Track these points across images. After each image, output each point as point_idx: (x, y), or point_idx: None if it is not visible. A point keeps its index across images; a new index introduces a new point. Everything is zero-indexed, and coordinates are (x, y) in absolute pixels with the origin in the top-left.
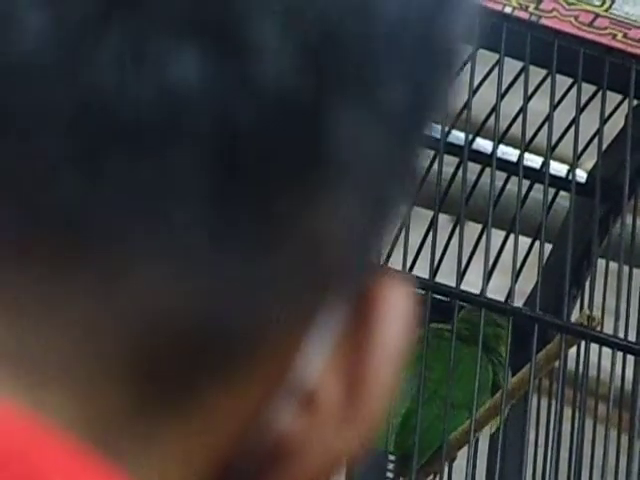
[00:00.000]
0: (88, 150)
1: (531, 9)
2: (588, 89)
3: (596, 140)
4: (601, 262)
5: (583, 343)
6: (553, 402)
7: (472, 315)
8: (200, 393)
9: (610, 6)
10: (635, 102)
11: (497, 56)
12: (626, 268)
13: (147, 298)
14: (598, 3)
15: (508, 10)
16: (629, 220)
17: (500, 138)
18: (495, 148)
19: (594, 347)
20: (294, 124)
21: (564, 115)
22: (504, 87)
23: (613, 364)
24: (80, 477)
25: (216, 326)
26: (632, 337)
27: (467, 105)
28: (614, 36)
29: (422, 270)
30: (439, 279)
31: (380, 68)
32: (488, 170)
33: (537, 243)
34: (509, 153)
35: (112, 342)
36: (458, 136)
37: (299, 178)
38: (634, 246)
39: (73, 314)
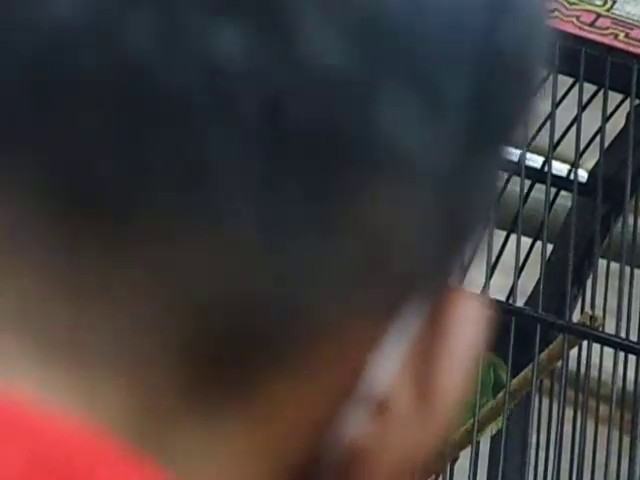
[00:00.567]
0: (134, 124)
1: None
2: (589, 89)
3: (597, 139)
4: (602, 262)
5: (585, 343)
6: (555, 402)
7: None
8: (262, 379)
9: (612, 6)
10: (637, 101)
11: None
12: (627, 268)
13: (200, 277)
14: (600, 3)
15: None
16: (631, 220)
17: None
18: None
19: (596, 348)
20: (342, 103)
21: (565, 115)
22: None
23: (615, 364)
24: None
25: (273, 306)
26: (634, 337)
27: None
28: (616, 36)
29: None
30: None
31: (433, 55)
32: None
33: (538, 243)
34: (510, 153)
35: (167, 325)
36: None
37: (349, 160)
38: (635, 246)
39: (124, 296)
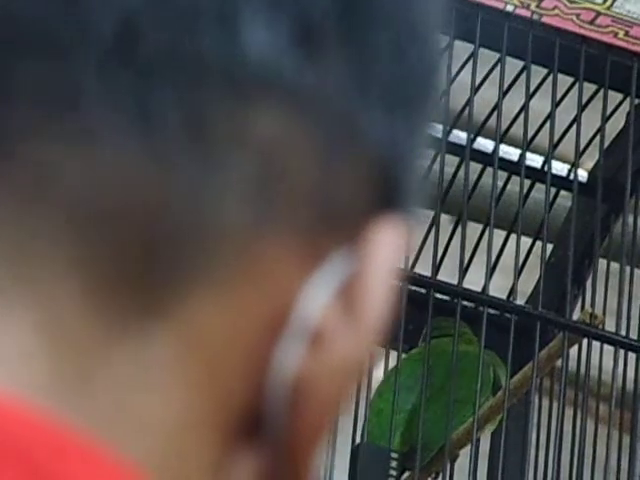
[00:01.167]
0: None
1: (532, 7)
2: (589, 88)
3: (597, 139)
4: (602, 261)
5: (585, 342)
6: (555, 401)
7: (442, 322)
8: (178, 299)
9: (612, 4)
10: (637, 101)
11: (498, 55)
12: (627, 267)
13: (90, 192)
14: (600, 1)
15: (509, 8)
16: (630, 219)
17: (501, 137)
18: (496, 147)
19: (596, 346)
20: (204, 27)
21: (565, 114)
22: (505, 86)
23: (615, 362)
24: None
25: (171, 222)
26: (634, 335)
27: (468, 104)
28: (616, 34)
29: (424, 269)
30: (441, 278)
31: None
32: (489, 169)
33: (538, 243)
34: (510, 152)
35: (66, 245)
36: (459, 135)
37: (217, 81)
38: (635, 245)
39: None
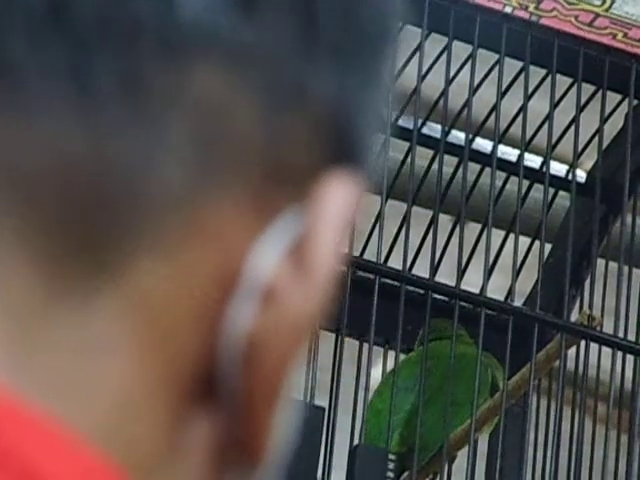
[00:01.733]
0: None
1: (531, 9)
2: (588, 89)
3: (596, 140)
4: (601, 262)
5: (583, 343)
6: (553, 402)
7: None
8: (122, 258)
9: (610, 6)
10: (635, 102)
11: (497, 56)
12: (626, 268)
13: (29, 156)
14: (598, 3)
15: (508, 10)
16: (629, 220)
17: (500, 138)
18: (495, 148)
19: (594, 347)
20: None
21: (564, 115)
22: (504, 87)
23: (613, 364)
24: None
25: (111, 179)
26: (632, 337)
27: (467, 105)
28: (614, 36)
29: (422, 270)
30: (439, 279)
31: None
32: (488, 170)
33: (537, 243)
34: (509, 153)
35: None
36: (458, 136)
37: (151, 43)
38: (634, 246)
39: None
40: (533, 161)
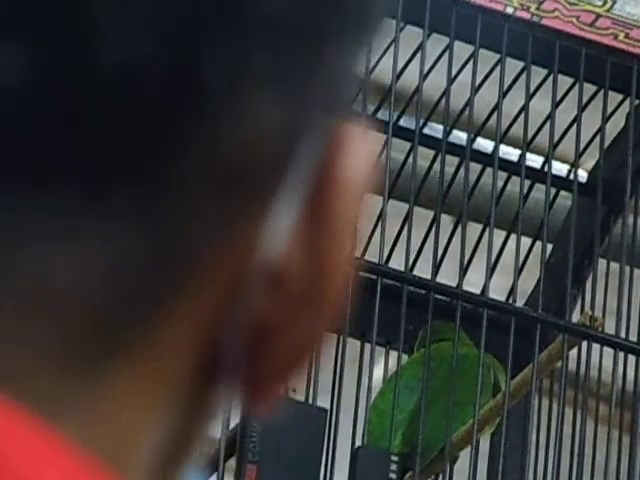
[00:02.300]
0: None
1: (532, 9)
2: (589, 89)
3: (597, 140)
4: (602, 262)
5: (584, 344)
6: (554, 403)
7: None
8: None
9: (612, 6)
10: (636, 102)
11: (498, 56)
12: (627, 268)
13: None
14: (600, 3)
15: (509, 10)
16: (630, 220)
17: (501, 138)
18: (496, 148)
19: (596, 348)
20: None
21: (565, 115)
22: (505, 87)
23: (615, 364)
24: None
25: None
26: (634, 337)
27: (468, 105)
28: (616, 36)
29: (424, 270)
30: (440, 279)
31: None
32: (489, 170)
33: (538, 243)
34: (510, 153)
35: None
36: (459, 136)
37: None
38: (635, 246)
39: None
40: (534, 161)
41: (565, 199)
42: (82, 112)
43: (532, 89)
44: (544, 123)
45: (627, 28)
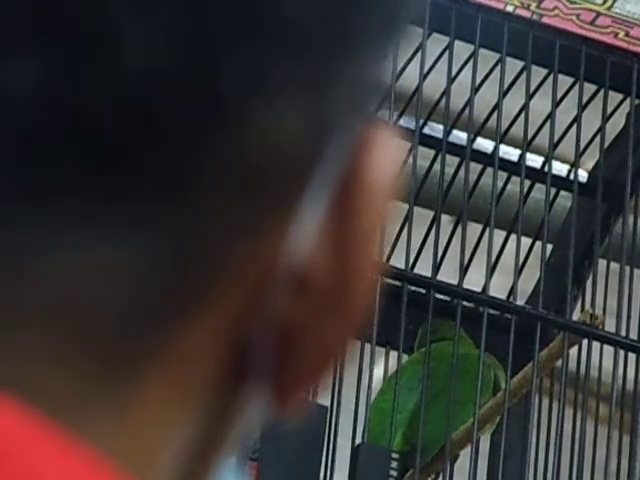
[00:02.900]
0: None
1: (533, 8)
2: (590, 88)
3: (597, 139)
4: (602, 262)
5: (585, 342)
6: (555, 402)
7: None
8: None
9: (612, 4)
10: (637, 101)
11: (498, 55)
12: (627, 267)
13: None
14: (600, 2)
15: (510, 9)
16: (630, 219)
17: (501, 138)
18: (496, 148)
19: (596, 346)
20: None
21: (565, 114)
22: (505, 86)
23: (615, 363)
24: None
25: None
26: (634, 336)
27: (468, 104)
28: (616, 34)
29: (424, 270)
30: (441, 278)
31: None
32: (489, 170)
33: (538, 243)
34: (510, 153)
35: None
36: (459, 136)
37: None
38: (635, 245)
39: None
40: (535, 161)
41: (565, 199)
42: (105, 118)
43: (532, 88)
44: (544, 123)
45: (627, 26)
